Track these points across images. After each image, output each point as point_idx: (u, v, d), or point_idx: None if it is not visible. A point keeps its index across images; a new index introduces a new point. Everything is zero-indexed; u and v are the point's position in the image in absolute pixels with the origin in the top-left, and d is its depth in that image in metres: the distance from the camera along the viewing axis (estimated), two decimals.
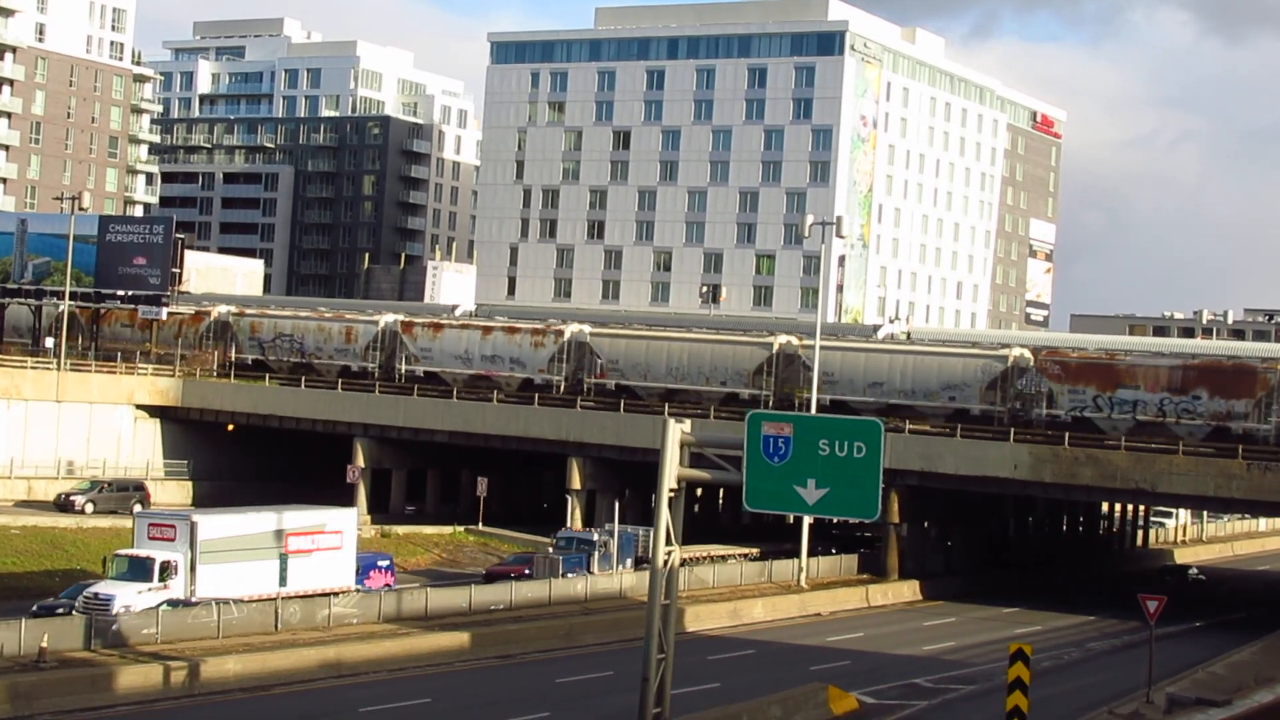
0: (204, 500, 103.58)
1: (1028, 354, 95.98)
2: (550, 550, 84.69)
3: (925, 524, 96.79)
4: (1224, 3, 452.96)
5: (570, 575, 79.27)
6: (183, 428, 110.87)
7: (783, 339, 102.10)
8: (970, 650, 73.30)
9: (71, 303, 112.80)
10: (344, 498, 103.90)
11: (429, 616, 68.25)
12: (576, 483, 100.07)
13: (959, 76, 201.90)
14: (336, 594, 67.94)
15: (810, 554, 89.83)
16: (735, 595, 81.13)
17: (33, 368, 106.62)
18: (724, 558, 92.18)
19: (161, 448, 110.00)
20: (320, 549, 70.22)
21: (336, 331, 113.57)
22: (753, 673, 63.36)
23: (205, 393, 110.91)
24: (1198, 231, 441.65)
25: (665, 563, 43.47)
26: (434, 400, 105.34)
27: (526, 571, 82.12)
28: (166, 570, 64.03)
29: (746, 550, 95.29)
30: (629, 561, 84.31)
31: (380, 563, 76.22)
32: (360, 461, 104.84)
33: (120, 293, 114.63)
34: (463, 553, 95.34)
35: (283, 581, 68.17)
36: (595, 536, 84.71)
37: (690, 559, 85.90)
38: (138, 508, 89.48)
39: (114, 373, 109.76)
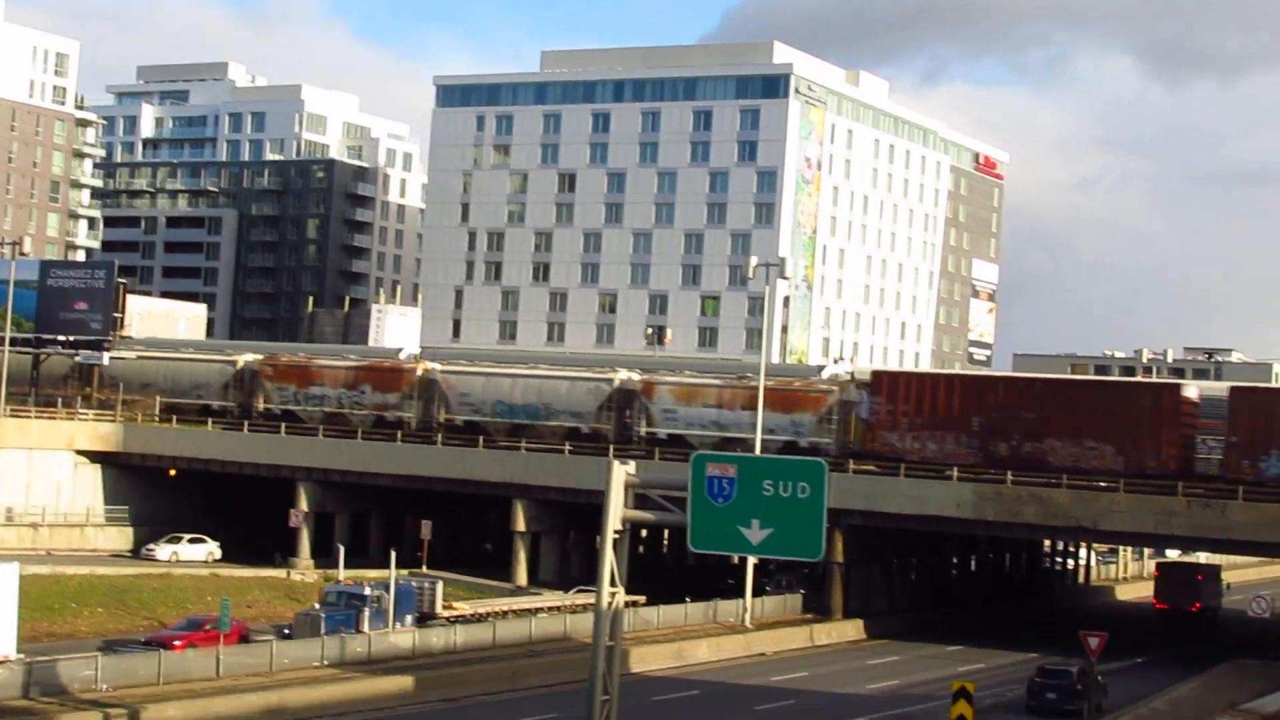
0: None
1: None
2: (316, 606, 77.68)
3: (869, 563, 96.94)
4: (1166, 49, 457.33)
5: (334, 635, 69.72)
6: (124, 473, 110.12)
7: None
8: (914, 688, 73.46)
9: (11, 348, 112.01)
10: (288, 542, 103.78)
11: (372, 660, 67.95)
12: (521, 525, 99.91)
13: (902, 119, 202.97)
14: None
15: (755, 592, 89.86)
16: (680, 636, 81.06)
17: None
18: (533, 610, 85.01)
19: (102, 493, 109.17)
20: None
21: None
22: (697, 713, 63.34)
23: (147, 437, 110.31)
24: (1140, 272, 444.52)
25: (610, 604, 43.43)
26: (377, 444, 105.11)
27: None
28: None
29: (549, 602, 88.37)
30: (409, 618, 76.81)
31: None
32: (303, 505, 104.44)
33: (61, 338, 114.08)
34: None
35: None
36: (367, 591, 76.23)
37: (488, 613, 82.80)
38: None
39: (54, 418, 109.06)
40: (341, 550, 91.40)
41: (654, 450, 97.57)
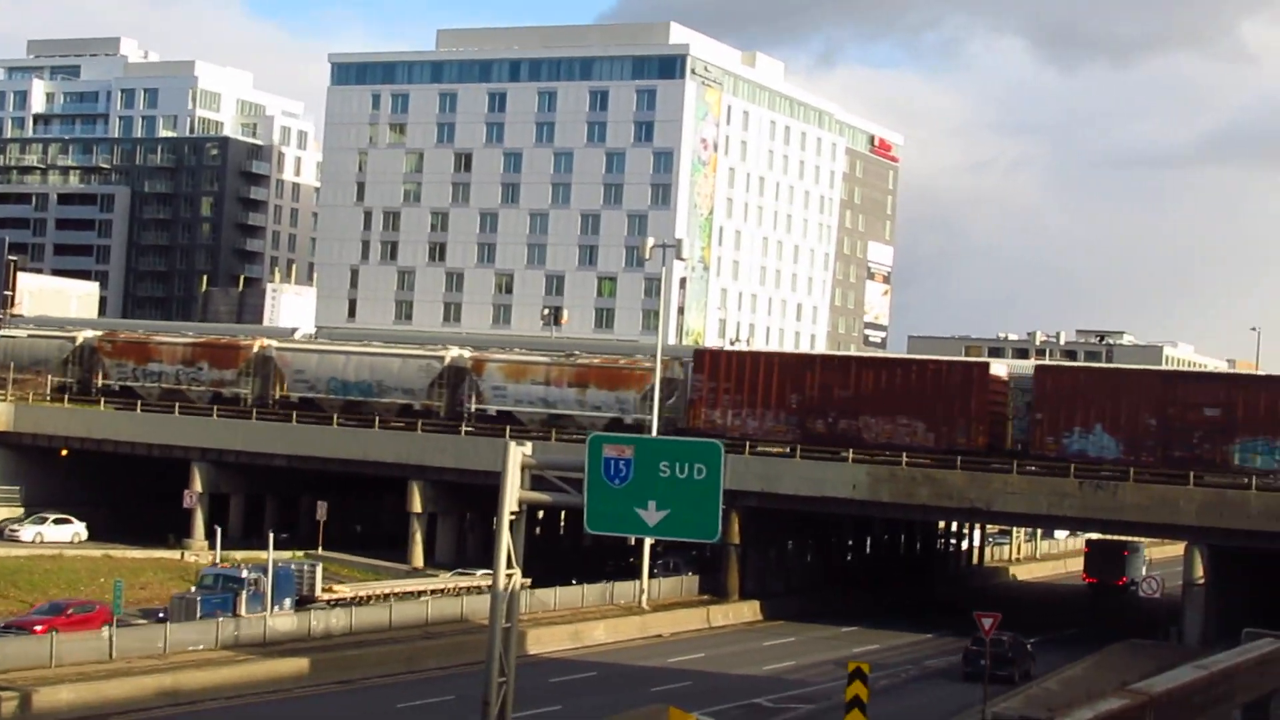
0: None
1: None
2: (192, 589, 75.53)
3: (765, 544, 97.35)
4: (1059, 33, 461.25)
5: (212, 618, 68.68)
6: (15, 453, 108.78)
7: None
8: (810, 669, 73.88)
9: None
10: (182, 523, 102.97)
11: (268, 643, 67.57)
12: (418, 506, 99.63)
13: (798, 100, 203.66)
14: None
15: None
16: (577, 618, 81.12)
17: None
18: (412, 593, 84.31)
19: None
20: None
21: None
22: (594, 695, 63.42)
23: (38, 417, 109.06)
24: (1034, 255, 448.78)
25: (506, 586, 43.40)
26: (272, 424, 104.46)
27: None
28: None
29: (431, 585, 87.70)
30: (288, 601, 75.00)
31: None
32: (197, 487, 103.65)
33: None
34: None
35: None
36: (245, 574, 74.54)
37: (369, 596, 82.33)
38: None
39: None
40: (219, 531, 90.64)
41: (485, 427, 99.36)
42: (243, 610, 71.87)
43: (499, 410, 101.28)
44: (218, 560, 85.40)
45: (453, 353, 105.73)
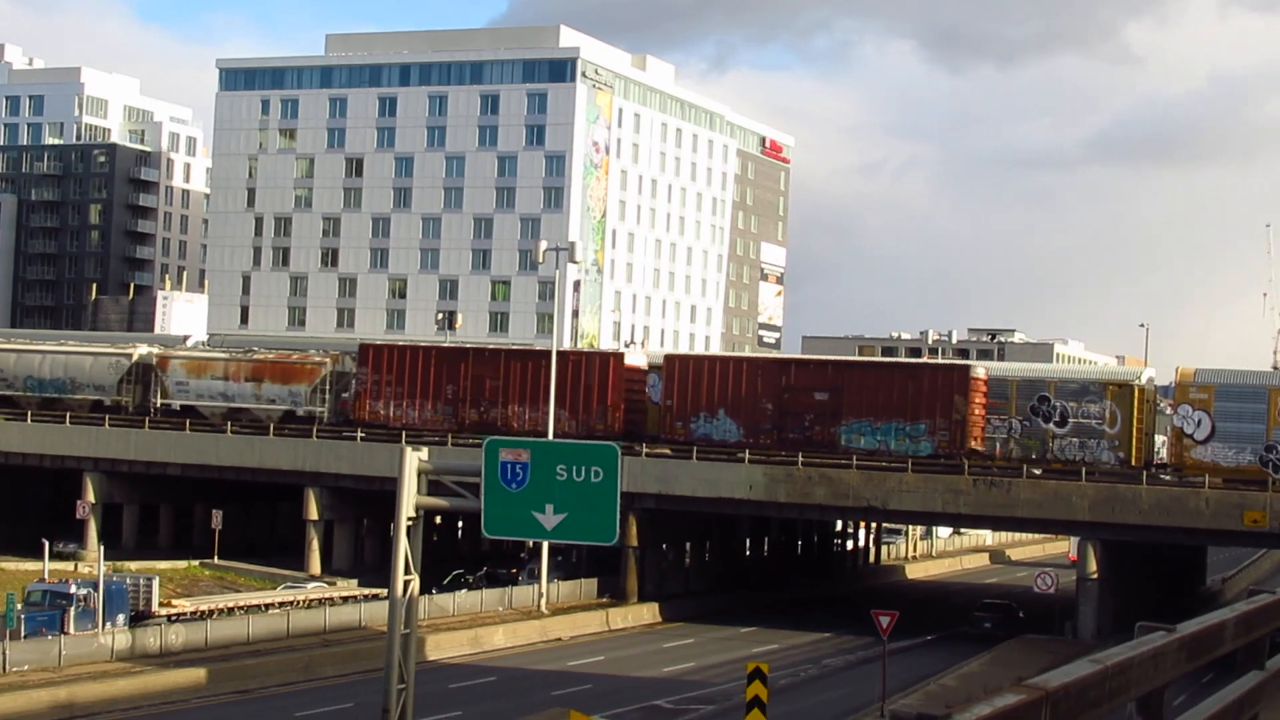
0: None
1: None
2: (18, 606, 70.49)
3: (663, 546, 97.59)
4: (947, 35, 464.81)
5: (37, 636, 65.69)
6: None
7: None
8: (710, 670, 74.09)
9: None
10: (75, 534, 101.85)
11: (164, 654, 66.97)
12: (314, 513, 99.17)
13: (689, 103, 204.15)
14: None
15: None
16: (476, 622, 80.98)
17: None
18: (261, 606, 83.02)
19: None
20: None
21: None
22: (495, 700, 63.36)
23: None
24: (926, 255, 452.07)
25: (404, 592, 43.25)
26: (166, 433, 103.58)
27: None
28: None
29: (286, 596, 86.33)
30: (121, 618, 71.33)
31: None
32: (90, 497, 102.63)
33: None
34: (198, 588, 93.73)
35: None
36: (74, 589, 70.92)
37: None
38: None
39: None
40: (47, 546, 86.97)
41: (172, 420, 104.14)
42: (71, 628, 68.44)
43: (183, 405, 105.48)
44: (46, 575, 79.43)
45: (140, 350, 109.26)
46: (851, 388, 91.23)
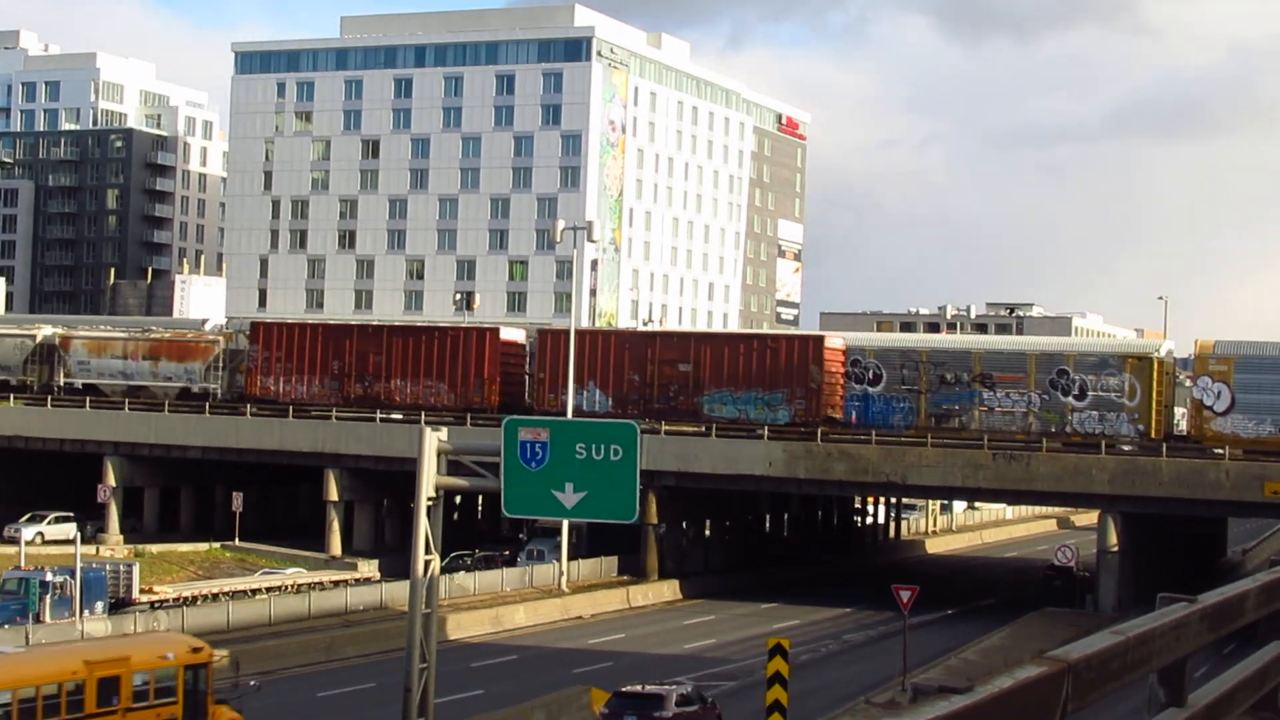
0: None
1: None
2: None
3: (683, 523, 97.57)
4: (962, 10, 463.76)
5: (11, 624, 64.44)
6: None
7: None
8: (730, 647, 74.09)
9: None
10: (97, 518, 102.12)
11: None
12: (334, 494, 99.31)
13: (705, 80, 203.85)
14: None
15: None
16: (497, 602, 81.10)
17: None
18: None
19: None
20: None
21: None
22: (516, 678, 63.42)
23: None
24: (944, 230, 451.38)
25: (425, 571, 43.32)
26: (185, 416, 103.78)
27: None
28: None
29: (286, 581, 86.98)
30: (100, 605, 69.80)
31: None
32: (111, 480, 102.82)
33: None
34: (220, 570, 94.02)
35: None
36: (49, 576, 69.30)
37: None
38: None
39: None
40: (23, 533, 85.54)
41: (75, 397, 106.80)
42: (47, 616, 67.23)
43: (84, 383, 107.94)
44: (22, 562, 78.00)
45: (44, 331, 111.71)
46: (712, 359, 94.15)
